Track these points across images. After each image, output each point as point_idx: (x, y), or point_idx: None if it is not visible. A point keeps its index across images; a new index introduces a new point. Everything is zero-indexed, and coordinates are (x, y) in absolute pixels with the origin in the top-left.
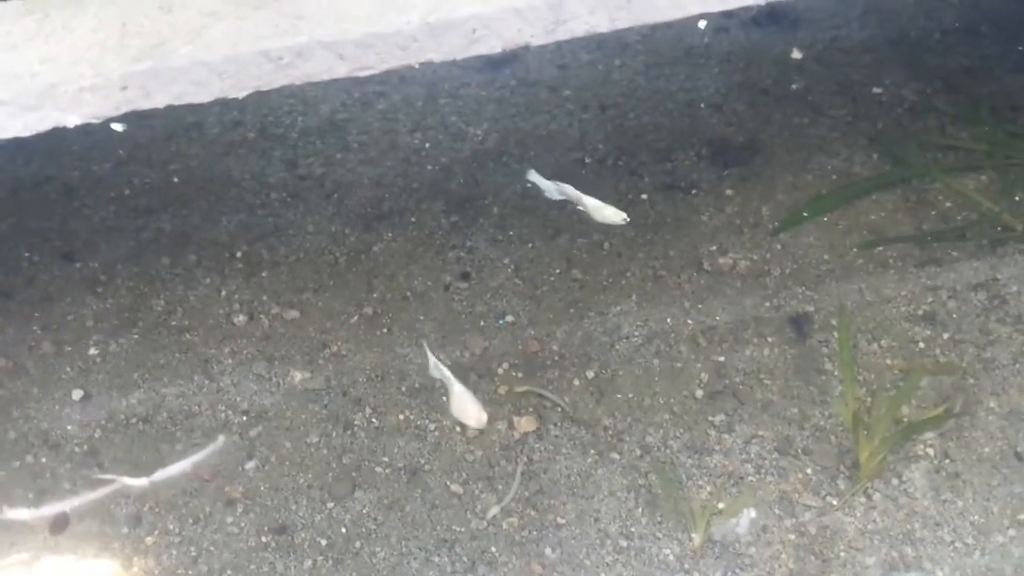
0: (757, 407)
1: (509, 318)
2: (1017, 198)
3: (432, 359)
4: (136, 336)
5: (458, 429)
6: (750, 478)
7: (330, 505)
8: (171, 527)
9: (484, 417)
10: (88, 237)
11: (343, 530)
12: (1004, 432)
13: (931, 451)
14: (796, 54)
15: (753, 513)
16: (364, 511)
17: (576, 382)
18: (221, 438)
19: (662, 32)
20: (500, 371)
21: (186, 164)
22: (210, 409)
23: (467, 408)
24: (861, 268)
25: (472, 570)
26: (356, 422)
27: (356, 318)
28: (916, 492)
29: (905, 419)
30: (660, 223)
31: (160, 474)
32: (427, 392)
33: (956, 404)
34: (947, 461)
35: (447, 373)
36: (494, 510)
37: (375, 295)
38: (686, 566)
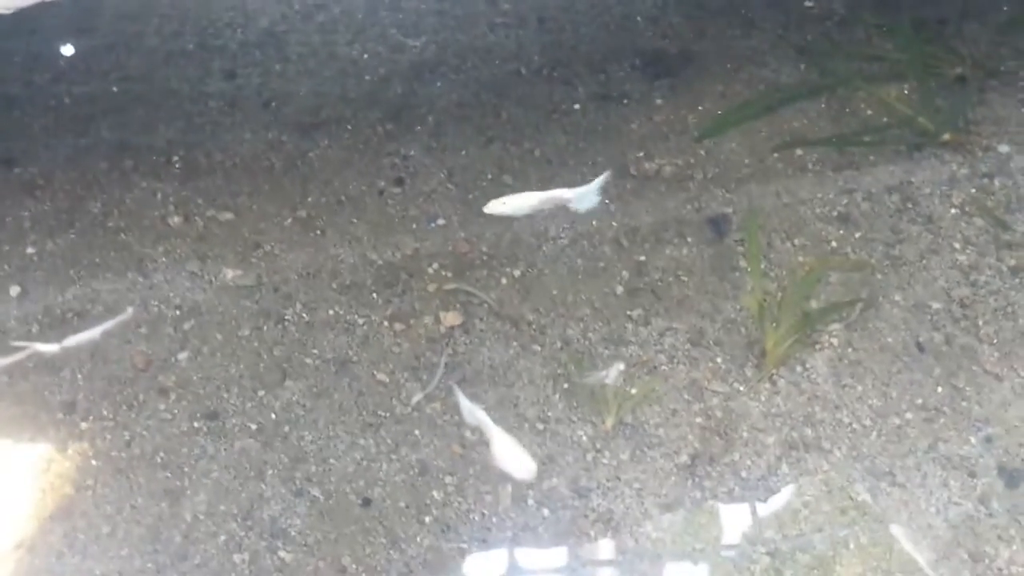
0: (673, 302)
1: (441, 221)
2: (936, 105)
3: (465, 402)
4: (73, 236)
5: (386, 324)
6: (663, 367)
7: (261, 393)
8: (105, 413)
9: (533, 467)
10: (28, 145)
11: (272, 416)
12: (907, 324)
13: (835, 341)
14: None
15: (662, 398)
16: (293, 399)
17: (503, 281)
18: (130, 310)
19: None
20: (430, 271)
21: (126, 74)
22: (143, 304)
23: (513, 457)
24: (780, 172)
25: (395, 451)
26: (287, 317)
27: (290, 220)
28: (819, 378)
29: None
30: (591, 132)
31: (70, 340)
32: (357, 289)
33: (861, 298)
34: (850, 350)
35: (485, 418)
36: (418, 396)
37: (309, 199)
38: (597, 446)
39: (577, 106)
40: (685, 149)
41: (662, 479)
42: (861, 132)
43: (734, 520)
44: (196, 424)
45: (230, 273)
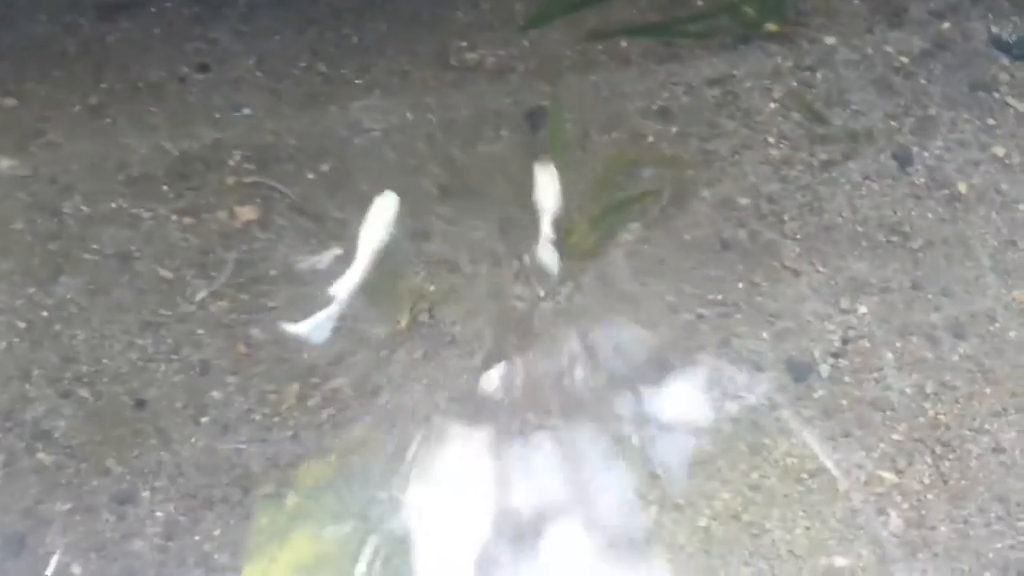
0: (484, 199)
1: (246, 111)
2: None
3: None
4: None
5: (175, 218)
6: (466, 267)
7: (31, 290)
8: None
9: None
10: None
11: (44, 314)
12: (711, 220)
13: (639, 237)
14: None
15: (463, 298)
16: (68, 296)
17: (310, 175)
18: None
19: None
20: (231, 162)
21: None
22: None
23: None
24: (603, 64)
25: (176, 351)
26: (65, 210)
27: (78, 108)
28: (618, 275)
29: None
30: (414, 20)
31: None
32: (146, 181)
33: (666, 192)
34: (650, 247)
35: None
36: (203, 294)
37: (103, 85)
38: (392, 344)
39: None
40: (509, 40)
41: (454, 378)
42: (688, 21)
43: (518, 419)
44: None
45: (4, 163)
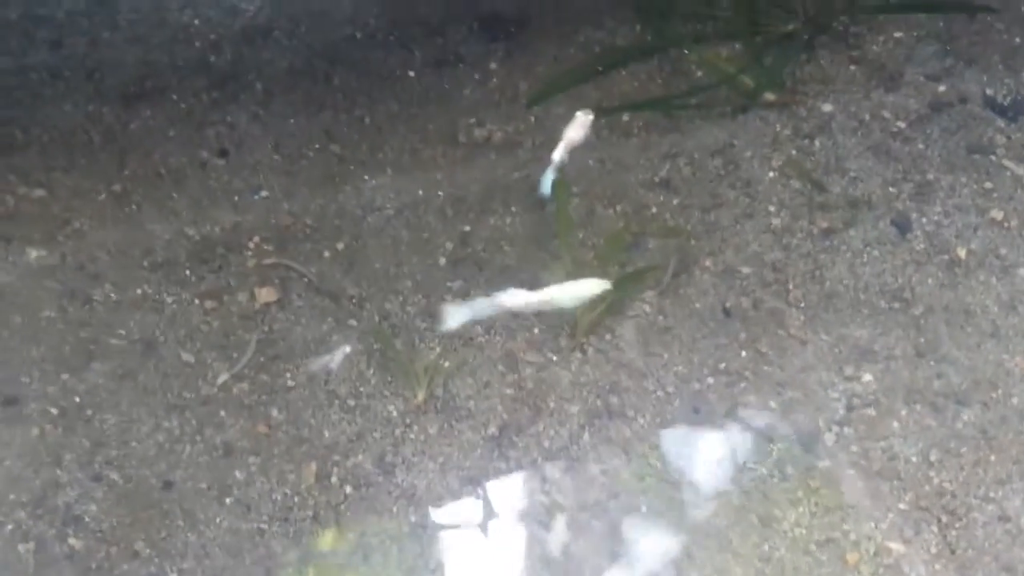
0: (495, 272)
1: (264, 193)
2: (765, 65)
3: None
4: None
5: (197, 302)
6: (479, 338)
7: (64, 376)
8: None
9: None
10: None
11: (76, 399)
12: (716, 289)
13: (647, 308)
14: None
15: (476, 370)
16: (98, 381)
17: (326, 254)
18: None
19: None
20: (251, 245)
21: None
22: None
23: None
24: (606, 137)
25: (200, 432)
26: (95, 297)
27: (104, 196)
28: (626, 346)
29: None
30: (425, 98)
31: None
32: (170, 266)
33: (672, 264)
34: (659, 317)
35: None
36: (224, 377)
37: (127, 172)
38: (407, 420)
39: (412, 72)
40: (516, 115)
41: (467, 452)
42: (688, 94)
43: (532, 490)
44: None
45: (34, 253)
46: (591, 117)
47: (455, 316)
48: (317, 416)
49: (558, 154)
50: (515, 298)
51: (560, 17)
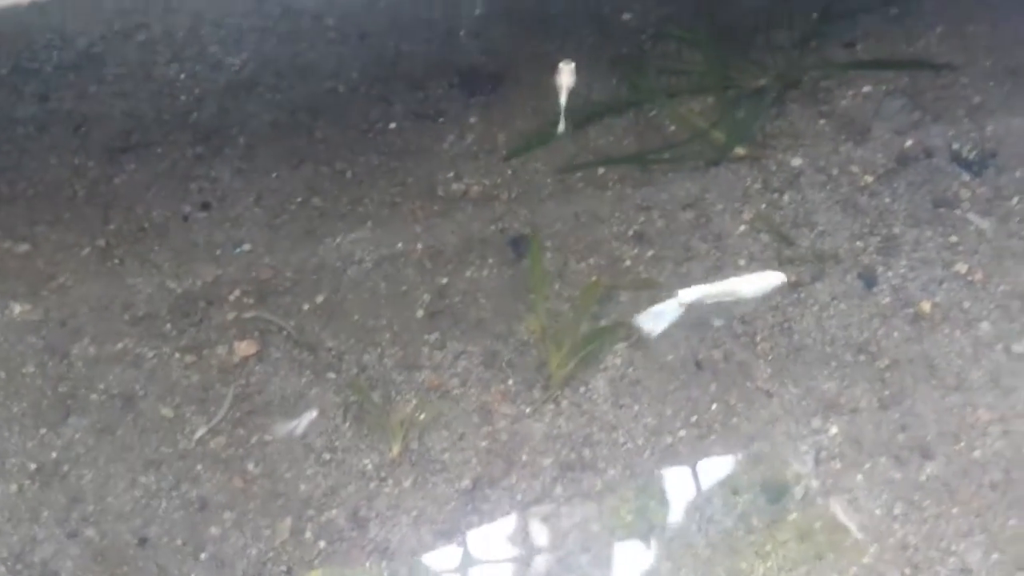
0: (471, 325)
1: (246, 246)
2: (737, 119)
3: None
4: None
5: (177, 356)
6: (455, 391)
7: (42, 432)
8: None
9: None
10: None
11: (53, 455)
12: (687, 342)
13: (618, 361)
14: None
15: (452, 423)
16: (76, 437)
17: (305, 307)
18: None
19: None
20: (231, 298)
21: None
22: None
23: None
24: (581, 191)
25: (176, 487)
26: (74, 352)
27: (88, 250)
28: (598, 399)
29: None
30: (404, 151)
31: None
32: (150, 320)
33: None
34: (631, 369)
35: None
36: (201, 431)
37: (111, 227)
38: (382, 474)
39: (393, 124)
40: (493, 169)
41: (441, 505)
42: (662, 148)
43: (503, 545)
44: None
45: (17, 308)
46: (573, 64)
47: (655, 322)
48: (293, 470)
49: (562, 99)
50: (697, 292)
51: (538, 70)
